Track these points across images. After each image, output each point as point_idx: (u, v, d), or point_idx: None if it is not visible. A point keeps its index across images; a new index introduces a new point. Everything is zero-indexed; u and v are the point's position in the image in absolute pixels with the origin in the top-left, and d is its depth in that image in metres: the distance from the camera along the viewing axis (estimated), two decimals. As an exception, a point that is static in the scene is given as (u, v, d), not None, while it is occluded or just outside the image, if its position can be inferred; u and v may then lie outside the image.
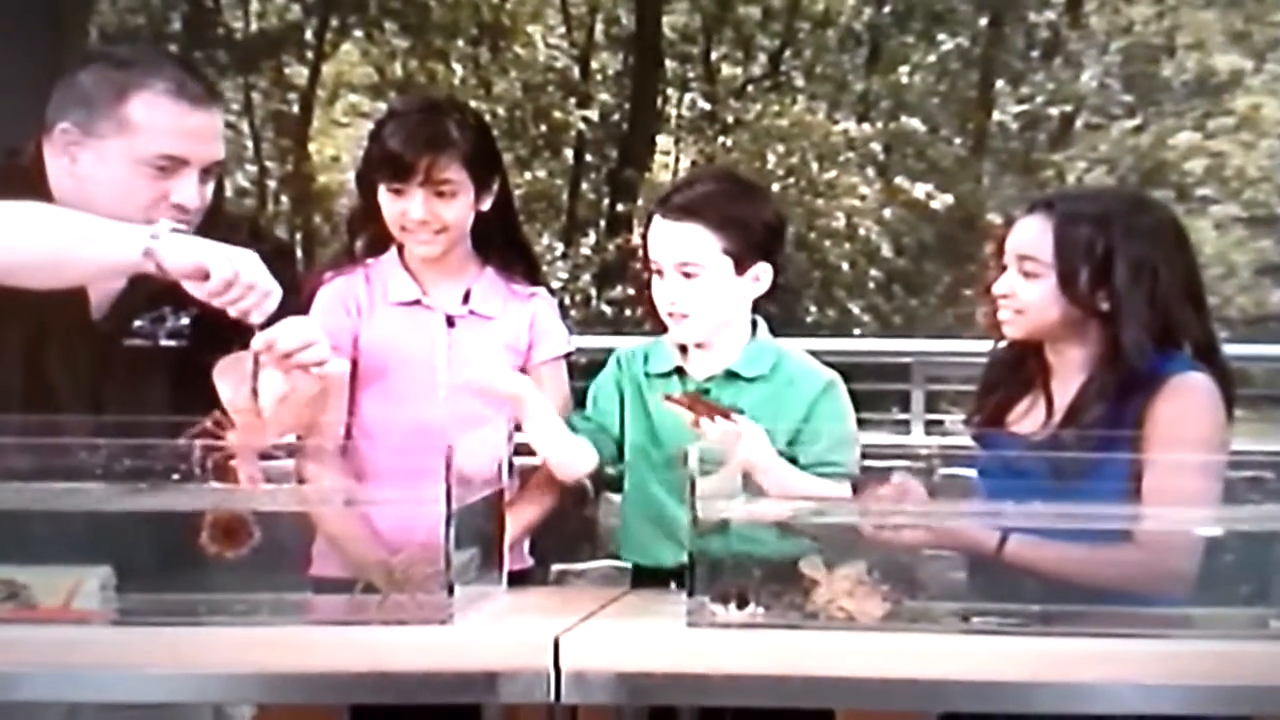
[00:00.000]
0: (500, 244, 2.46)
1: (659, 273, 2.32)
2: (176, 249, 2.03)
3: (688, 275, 2.29)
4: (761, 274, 2.33)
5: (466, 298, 2.43)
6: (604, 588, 2.52)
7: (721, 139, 12.92)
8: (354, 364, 2.40)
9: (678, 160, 12.89)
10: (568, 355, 2.47)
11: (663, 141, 13.24)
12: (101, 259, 2.06)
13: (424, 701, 1.92)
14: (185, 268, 2.03)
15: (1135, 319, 2.18)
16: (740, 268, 2.31)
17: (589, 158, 13.42)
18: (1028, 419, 2.27)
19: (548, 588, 2.83)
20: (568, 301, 10.97)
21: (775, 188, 12.55)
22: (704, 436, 2.13)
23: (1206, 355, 2.21)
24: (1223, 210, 12.99)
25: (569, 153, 13.32)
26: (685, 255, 2.29)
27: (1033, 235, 2.23)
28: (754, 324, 2.38)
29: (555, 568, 4.01)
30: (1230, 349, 2.33)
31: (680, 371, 2.34)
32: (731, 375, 2.32)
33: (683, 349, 2.34)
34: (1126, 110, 13.41)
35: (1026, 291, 2.23)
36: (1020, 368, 2.30)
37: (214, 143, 2.19)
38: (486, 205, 2.42)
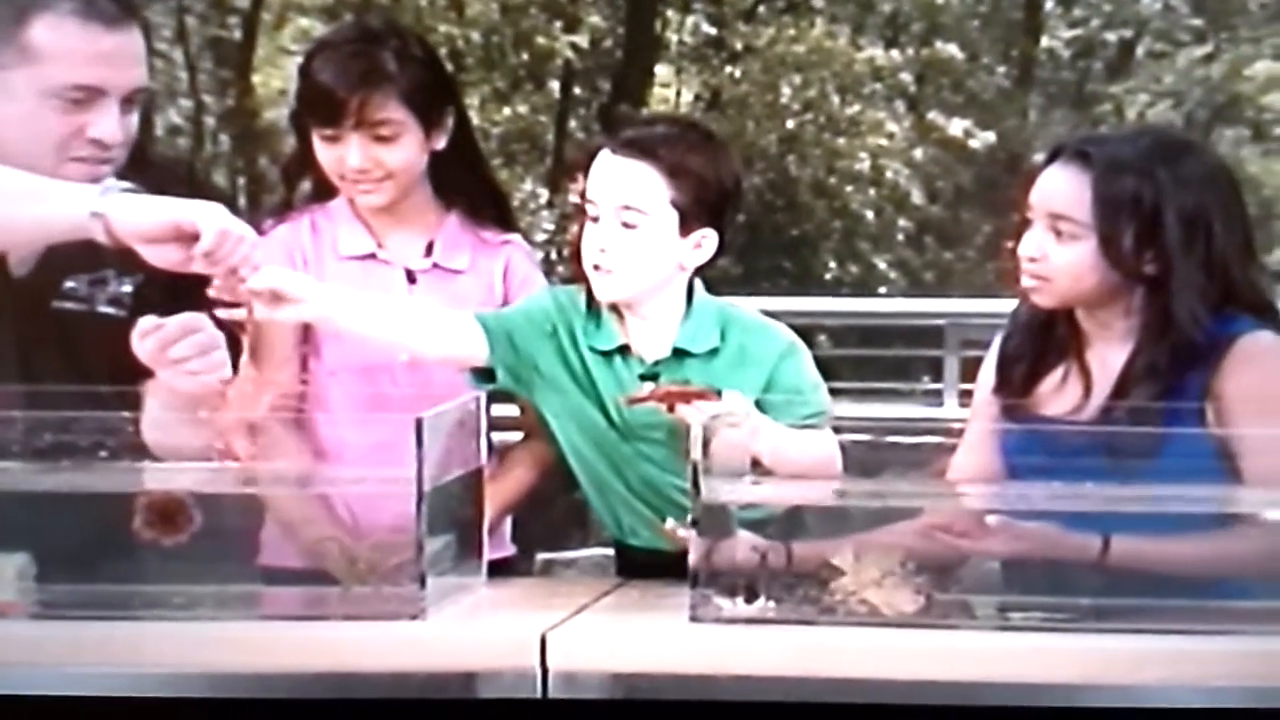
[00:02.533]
0: (465, 186, 2.46)
1: (595, 218, 2.31)
2: (134, 210, 2.03)
3: (627, 225, 2.29)
4: (706, 241, 2.32)
5: (429, 249, 2.44)
6: (596, 579, 2.55)
7: (729, 69, 12.89)
8: (304, 327, 2.39)
9: (679, 93, 12.87)
10: None
11: (662, 72, 13.20)
12: (40, 221, 2.06)
13: (396, 701, 1.94)
14: (149, 229, 2.03)
15: (1189, 285, 2.16)
16: (686, 227, 2.30)
17: (578, 90, 13.39)
18: (1061, 397, 2.24)
19: (533, 579, 2.86)
20: (554, 255, 10.96)
21: (790, 124, 12.58)
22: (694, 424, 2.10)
23: (1265, 314, 2.20)
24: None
25: (555, 85, 13.29)
26: (628, 198, 2.29)
27: (1067, 190, 2.19)
28: (689, 284, 2.37)
29: (541, 556, 4.05)
30: None
31: (625, 350, 2.34)
32: (680, 353, 2.33)
33: (619, 316, 2.33)
34: (1195, 35, 13.38)
35: (1059, 255, 2.19)
36: (1048, 334, 2.27)
37: (133, 68, 2.18)
38: (441, 144, 2.42)
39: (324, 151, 2.39)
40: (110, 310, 2.22)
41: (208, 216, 2.04)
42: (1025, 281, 2.23)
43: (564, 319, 2.35)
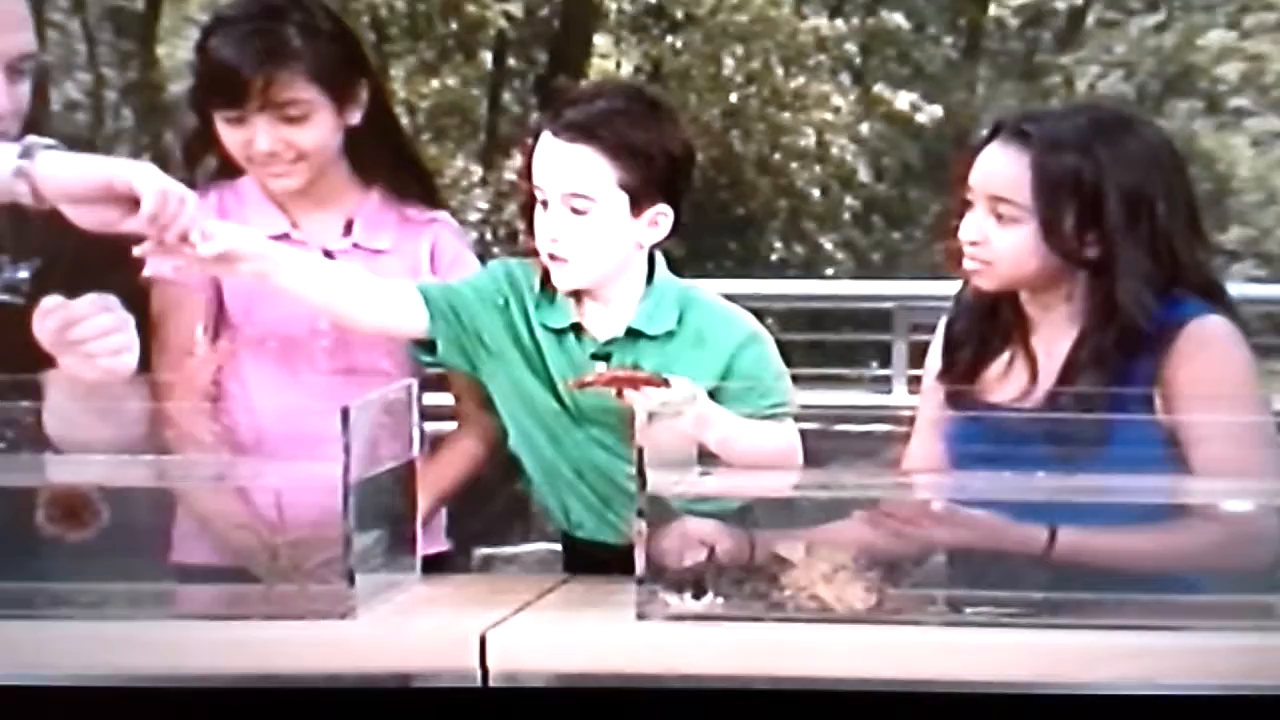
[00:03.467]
0: (385, 162, 2.42)
1: (544, 203, 2.30)
2: (62, 168, 2.00)
3: (576, 211, 2.27)
4: (661, 218, 2.30)
5: (348, 228, 2.41)
6: (539, 575, 2.56)
7: (670, 38, 12.89)
8: (220, 305, 2.38)
9: (619, 64, 12.84)
10: None
11: (601, 42, 13.19)
12: None
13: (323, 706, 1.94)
14: (80, 188, 2.00)
15: (1133, 268, 2.15)
16: (637, 207, 2.28)
17: (512, 61, 13.34)
18: (1007, 383, 2.24)
19: (471, 575, 2.87)
20: (489, 236, 10.92)
21: (734, 97, 12.58)
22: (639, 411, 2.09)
23: (1212, 295, 2.19)
24: (1261, 124, 13.07)
25: (487, 56, 13.24)
26: (574, 184, 2.27)
27: (1006, 171, 2.18)
28: (650, 261, 2.36)
29: (480, 552, 4.05)
30: (1271, 290, 2.33)
31: (578, 329, 2.33)
32: (634, 334, 2.32)
33: (576, 298, 2.33)
34: (1147, 3, 13.47)
35: (1000, 238, 2.18)
36: (993, 319, 2.27)
37: (16, 31, 2.15)
38: (356, 119, 2.38)
39: (229, 134, 2.34)
40: (5, 297, 2.19)
41: (144, 176, 2.02)
42: (967, 265, 2.22)
43: (516, 293, 2.34)
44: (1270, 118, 13.06)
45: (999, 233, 2.19)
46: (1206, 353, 2.14)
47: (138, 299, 2.22)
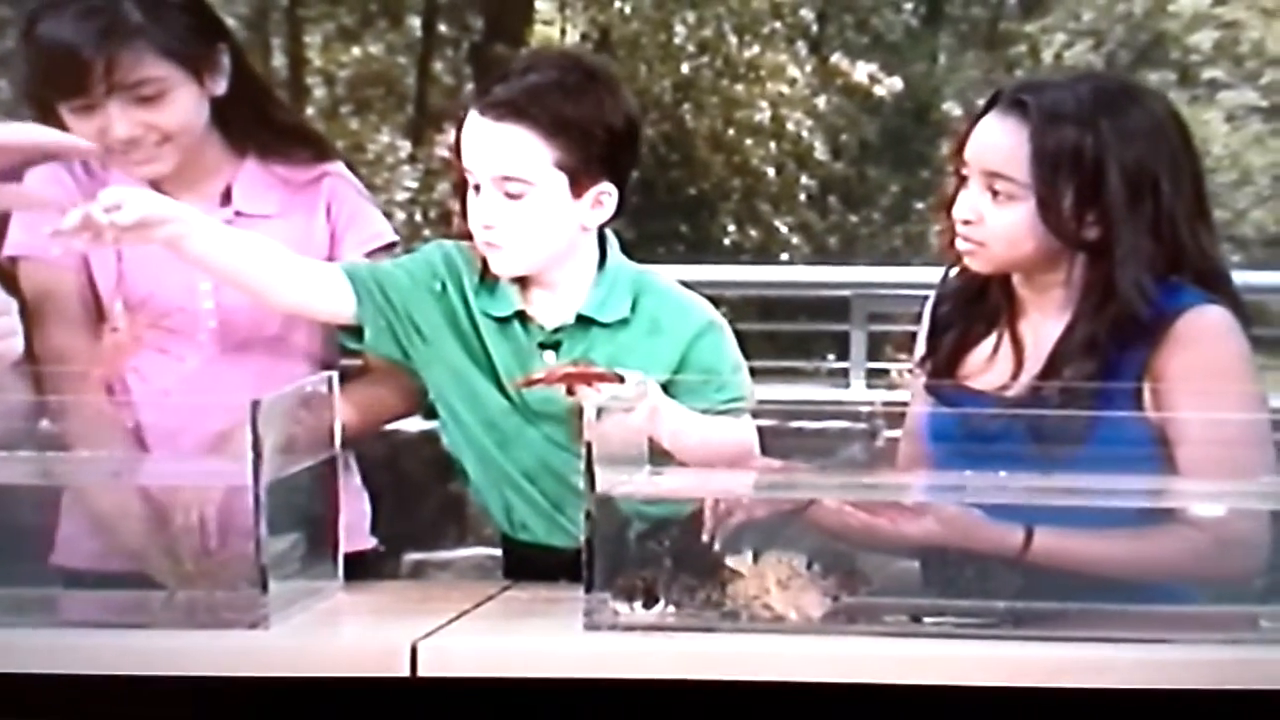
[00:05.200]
0: (253, 128, 2.39)
1: (475, 187, 2.28)
2: None
3: (511, 195, 2.25)
4: (605, 197, 2.29)
5: (227, 197, 2.38)
6: (476, 581, 2.56)
7: (617, 3, 12.87)
8: (93, 289, 2.36)
9: (564, 33, 12.80)
10: (391, 246, 2.42)
11: (543, 8, 13.14)
12: None
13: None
14: None
15: (1133, 252, 2.14)
16: (577, 187, 2.27)
17: (443, 28, 13.27)
18: (990, 370, 2.24)
19: (401, 582, 2.86)
20: (419, 217, 10.87)
21: (686, 68, 12.58)
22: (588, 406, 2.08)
23: (1214, 284, 2.19)
24: (1236, 97, 13.15)
25: (415, 22, 13.16)
26: (507, 167, 2.25)
27: (1003, 144, 2.17)
28: (602, 243, 2.35)
29: (410, 557, 4.03)
30: (1243, 276, 2.29)
31: (523, 317, 2.32)
32: (585, 322, 2.30)
33: (521, 284, 2.31)
34: (1117, -32, 13.54)
35: (996, 217, 2.18)
36: (979, 302, 2.26)
37: None
38: (222, 88, 2.35)
39: (79, 124, 2.27)
40: None
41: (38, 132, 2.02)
42: (960, 245, 2.21)
43: (455, 277, 2.32)
44: (1245, 90, 13.12)
45: (994, 211, 2.18)
46: (1201, 345, 2.14)
47: (7, 283, 2.21)
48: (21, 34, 2.32)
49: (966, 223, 2.21)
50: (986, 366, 2.26)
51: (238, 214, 2.38)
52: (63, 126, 2.29)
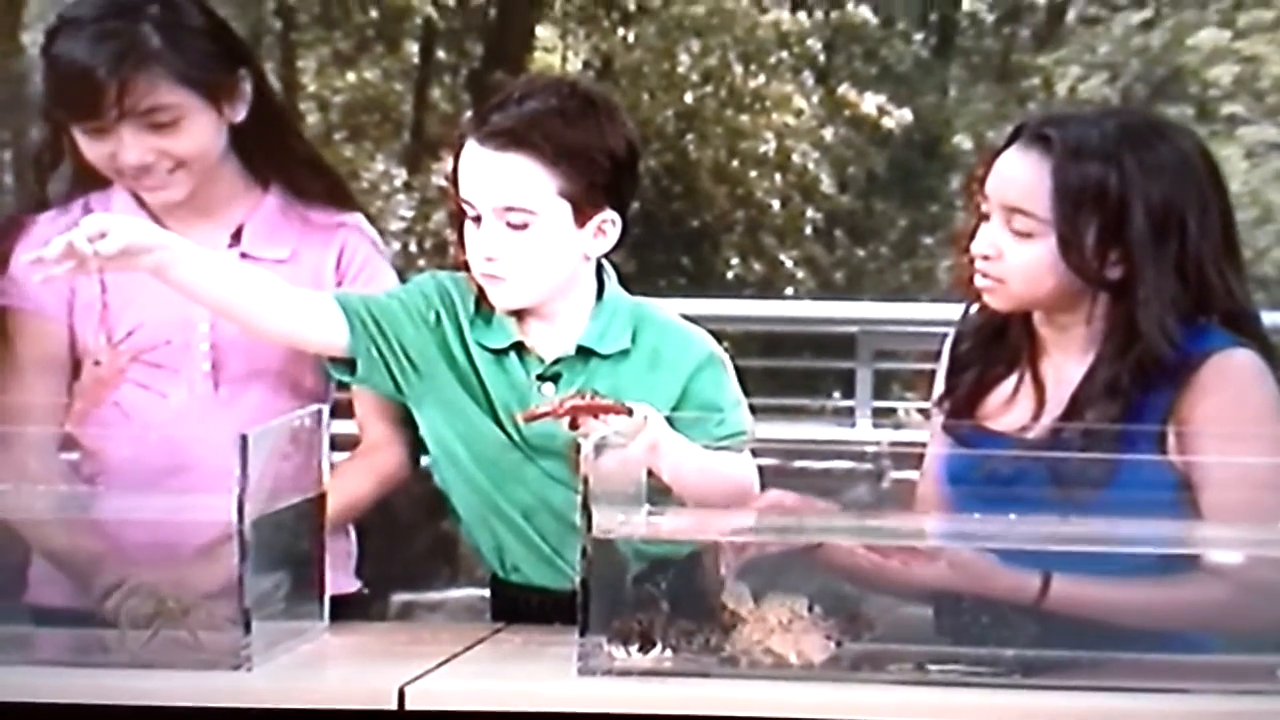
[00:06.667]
0: (278, 160, 2.38)
1: (475, 219, 2.28)
2: None
3: (513, 226, 2.25)
4: (608, 225, 2.30)
5: (236, 237, 2.38)
6: (467, 623, 2.56)
7: (620, 31, 12.92)
8: (73, 334, 2.36)
9: (565, 60, 12.84)
10: None
11: (544, 34, 13.19)
12: None
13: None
14: None
15: (1158, 294, 2.13)
16: (581, 216, 2.27)
17: (441, 54, 13.32)
18: (1010, 411, 2.24)
19: (389, 624, 2.87)
20: (414, 248, 10.90)
21: (689, 97, 12.63)
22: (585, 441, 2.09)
23: (1242, 326, 2.19)
24: (1257, 133, 13.15)
25: (413, 48, 13.21)
26: (510, 198, 2.26)
27: (1023, 180, 2.17)
28: (600, 274, 2.36)
29: (398, 598, 4.04)
30: (1265, 316, 2.26)
31: (520, 349, 2.32)
32: (585, 353, 2.31)
33: (517, 315, 2.31)
34: (1133, -1, 13.64)
35: (1016, 254, 2.18)
36: (1000, 341, 2.26)
37: None
38: (241, 115, 2.34)
39: (90, 146, 2.29)
40: None
41: None
42: (979, 281, 2.21)
43: (450, 309, 2.32)
44: (1266, 126, 13.14)
45: (1014, 247, 2.18)
46: (1228, 390, 2.14)
47: None
48: (41, 50, 2.33)
49: (985, 258, 2.21)
50: (1006, 408, 2.26)
51: (245, 256, 2.38)
52: (74, 146, 2.30)
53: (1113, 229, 2.15)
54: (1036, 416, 2.23)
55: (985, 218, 2.22)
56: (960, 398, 2.28)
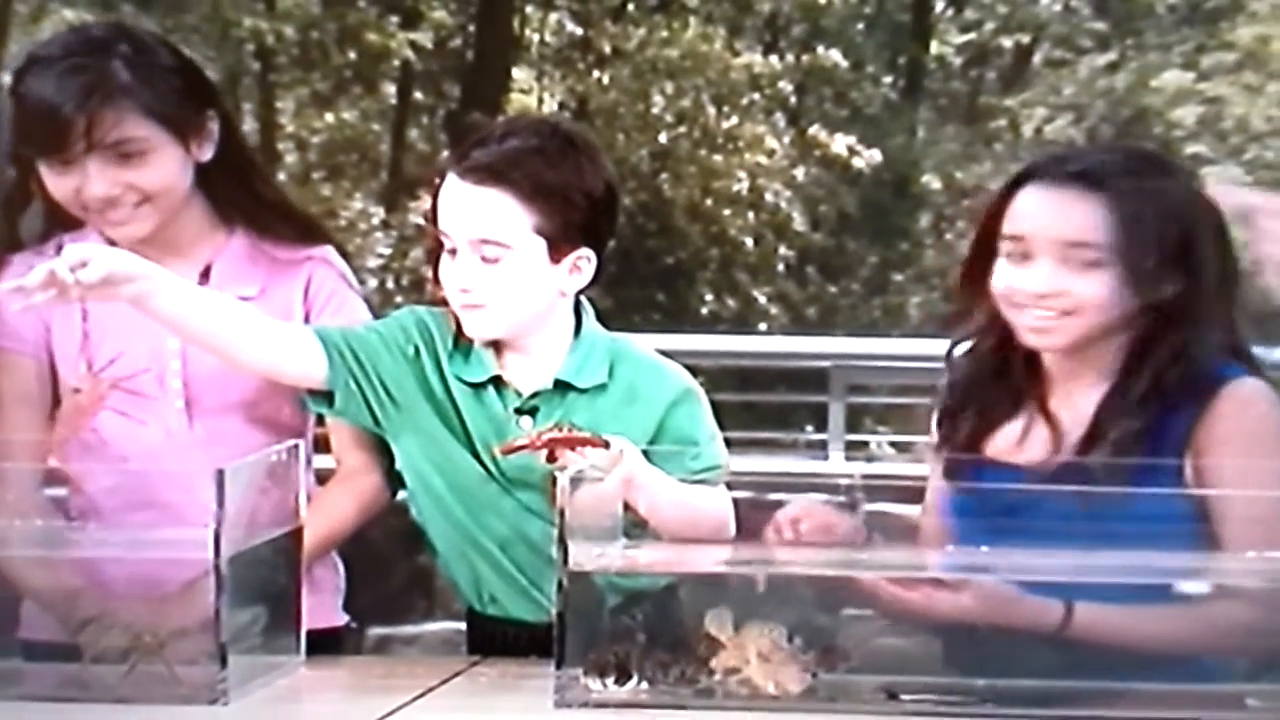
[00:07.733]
0: (240, 201, 2.39)
1: (452, 251, 2.29)
2: None
3: (487, 260, 2.27)
4: (583, 262, 2.31)
5: (205, 275, 2.38)
6: (443, 657, 2.55)
7: (595, 73, 12.97)
8: (52, 368, 2.36)
9: (541, 101, 12.88)
10: None
11: (520, 76, 13.24)
12: None
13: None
14: None
15: (1203, 313, 2.17)
16: (556, 252, 2.28)
17: (418, 95, 13.36)
18: (1023, 451, 2.22)
19: (365, 658, 2.85)
20: (391, 285, 10.91)
21: (664, 138, 12.69)
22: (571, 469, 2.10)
23: (1243, 356, 2.22)
24: (1220, 172, 13.29)
25: (390, 89, 13.25)
26: (485, 231, 2.27)
27: (1078, 214, 2.17)
28: (577, 309, 2.36)
29: (375, 632, 4.03)
30: None
31: (498, 382, 2.32)
32: (562, 387, 2.31)
33: (496, 349, 2.32)
34: (1098, 42, 13.68)
35: (1084, 286, 2.16)
36: (999, 382, 2.25)
37: None
38: (208, 154, 2.35)
39: (56, 182, 2.29)
40: None
41: None
42: (1035, 323, 2.18)
43: (428, 342, 2.33)
44: (1229, 166, 13.25)
45: (1079, 281, 2.17)
46: (1245, 415, 2.16)
47: None
48: (9, 90, 2.32)
49: (1043, 297, 2.19)
50: (1019, 448, 2.24)
51: None
52: (40, 184, 2.30)
53: (1171, 254, 2.18)
54: (1055, 451, 2.21)
55: (987, 256, 2.21)
56: (961, 439, 2.26)
